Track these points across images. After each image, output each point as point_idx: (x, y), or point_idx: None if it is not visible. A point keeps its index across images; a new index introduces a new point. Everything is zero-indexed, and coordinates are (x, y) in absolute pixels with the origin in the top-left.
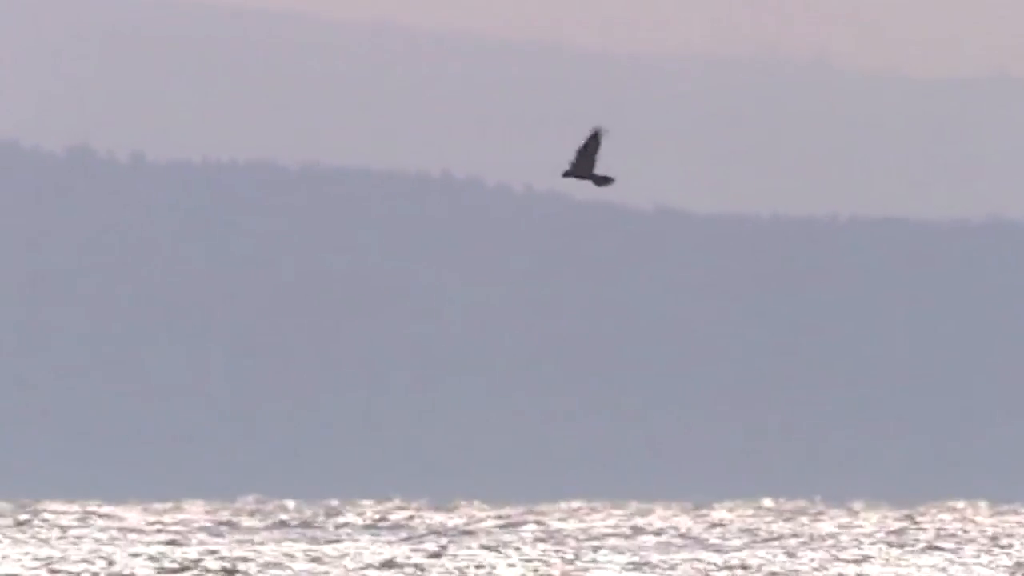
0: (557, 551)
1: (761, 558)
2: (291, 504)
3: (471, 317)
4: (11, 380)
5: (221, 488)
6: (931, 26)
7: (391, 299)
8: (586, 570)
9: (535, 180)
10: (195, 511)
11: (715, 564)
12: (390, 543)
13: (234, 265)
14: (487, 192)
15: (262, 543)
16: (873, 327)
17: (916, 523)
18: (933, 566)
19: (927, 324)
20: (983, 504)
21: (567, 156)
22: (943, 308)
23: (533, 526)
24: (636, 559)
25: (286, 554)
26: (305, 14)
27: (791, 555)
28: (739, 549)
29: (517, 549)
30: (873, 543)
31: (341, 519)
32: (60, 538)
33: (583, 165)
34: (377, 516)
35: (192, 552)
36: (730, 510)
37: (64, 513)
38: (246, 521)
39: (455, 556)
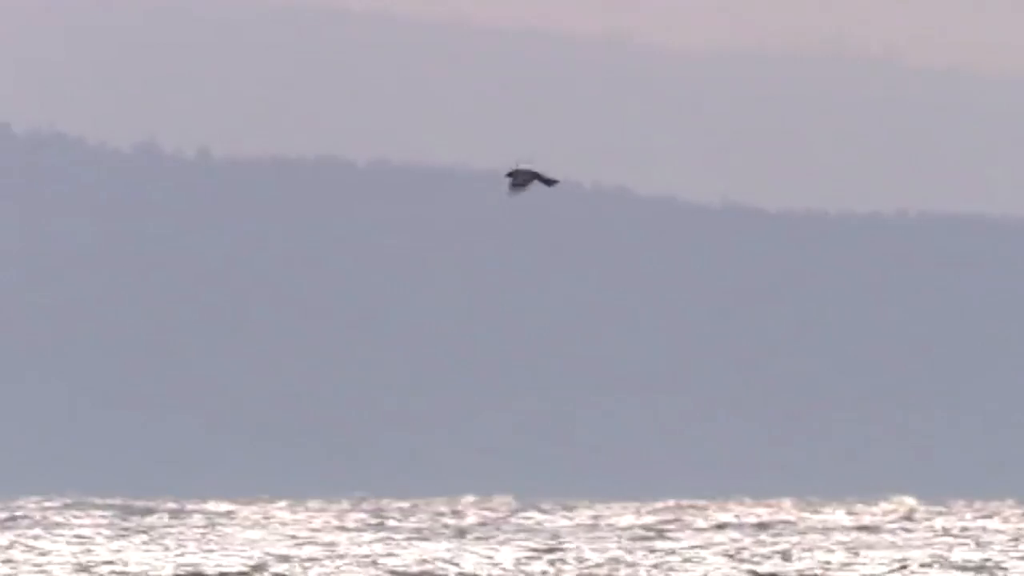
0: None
1: None
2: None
3: (551, 312)
4: (82, 384)
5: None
6: (1005, 24)
7: (462, 297)
8: None
9: (602, 177)
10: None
11: None
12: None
13: (305, 261)
14: (556, 188)
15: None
16: (951, 322)
17: None
18: None
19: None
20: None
21: (634, 153)
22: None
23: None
24: None
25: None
26: (380, 13)
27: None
28: None
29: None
30: None
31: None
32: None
33: (524, 174)
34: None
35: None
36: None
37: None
38: None
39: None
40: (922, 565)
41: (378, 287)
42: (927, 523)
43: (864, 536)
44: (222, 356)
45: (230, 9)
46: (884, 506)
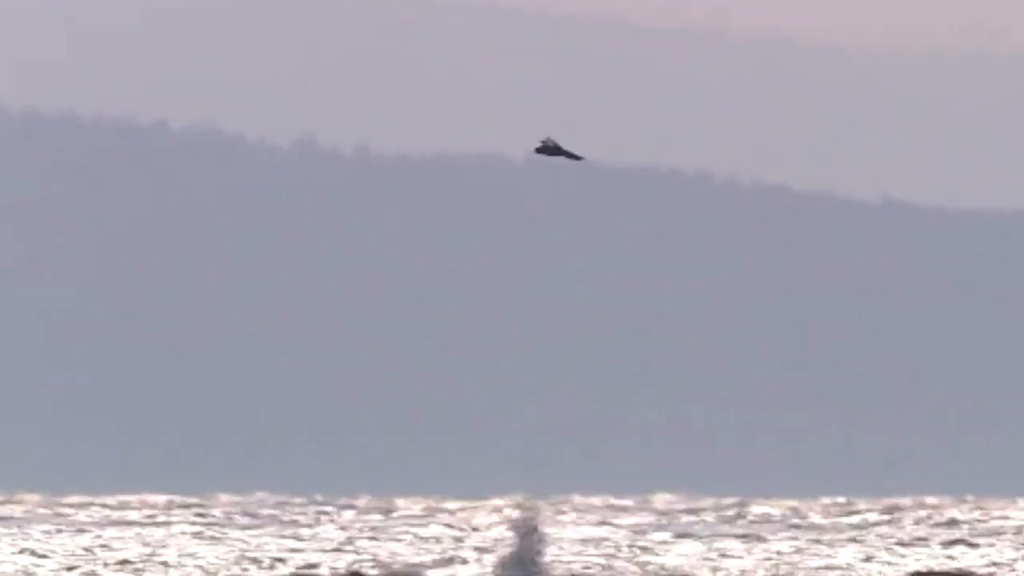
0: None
1: None
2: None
3: (700, 303)
4: (208, 388)
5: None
6: None
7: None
8: None
9: (763, 174)
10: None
11: None
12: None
13: (462, 258)
14: (716, 186)
15: None
16: None
17: None
18: None
19: None
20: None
21: (791, 149)
22: None
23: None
24: None
25: None
26: (526, 9)
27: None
28: None
29: None
30: None
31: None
32: None
33: (551, 148)
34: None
35: None
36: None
37: None
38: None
39: None
40: None
41: (543, 286)
42: None
43: None
44: (378, 354)
45: (384, 7)
46: None
